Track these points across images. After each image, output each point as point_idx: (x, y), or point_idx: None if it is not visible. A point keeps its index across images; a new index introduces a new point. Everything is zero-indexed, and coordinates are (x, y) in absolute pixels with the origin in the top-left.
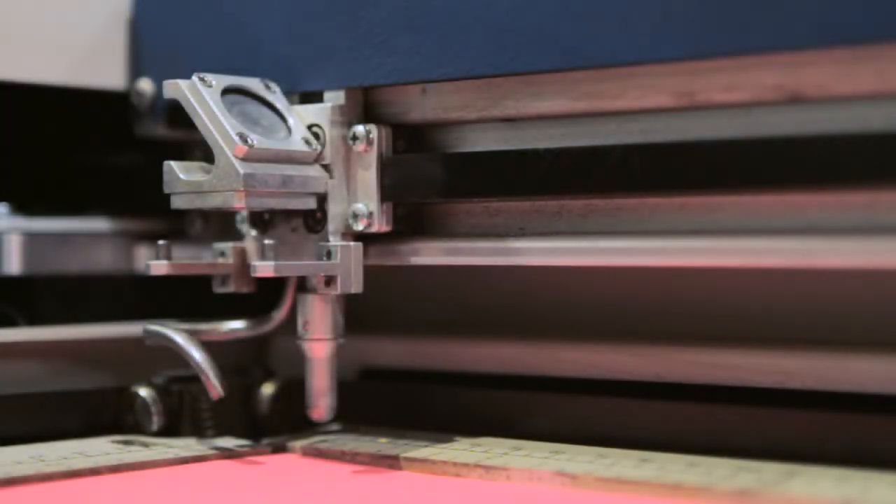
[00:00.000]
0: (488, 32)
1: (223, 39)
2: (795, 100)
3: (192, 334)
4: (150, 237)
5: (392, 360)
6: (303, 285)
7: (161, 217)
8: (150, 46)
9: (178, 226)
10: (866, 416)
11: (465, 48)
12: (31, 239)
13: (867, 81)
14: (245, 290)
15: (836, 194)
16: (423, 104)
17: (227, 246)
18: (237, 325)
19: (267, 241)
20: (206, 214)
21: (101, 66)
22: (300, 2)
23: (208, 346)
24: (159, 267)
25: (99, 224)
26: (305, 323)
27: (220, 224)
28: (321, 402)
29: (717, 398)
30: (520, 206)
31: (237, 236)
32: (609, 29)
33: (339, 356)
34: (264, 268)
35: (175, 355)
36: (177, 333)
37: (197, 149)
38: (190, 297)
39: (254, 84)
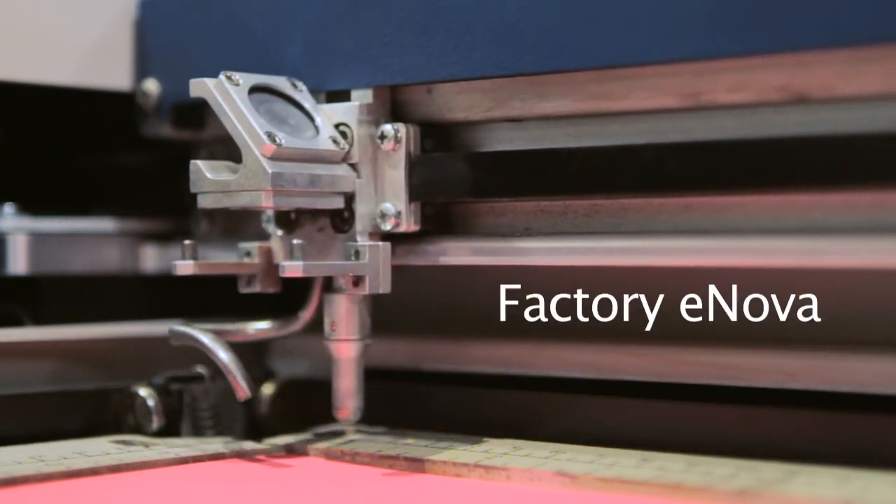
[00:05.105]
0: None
1: (229, 40)
2: (801, 100)
3: (219, 335)
4: (155, 237)
5: (392, 360)
6: (329, 285)
7: (167, 217)
8: (155, 47)
9: (183, 226)
10: (866, 416)
11: (472, 49)
12: (37, 239)
13: (872, 82)
14: (271, 290)
15: (841, 195)
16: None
17: (252, 246)
18: (263, 325)
19: (296, 241)
20: (211, 214)
21: (107, 67)
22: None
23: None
24: (186, 267)
25: (104, 224)
26: (332, 323)
27: (226, 224)
28: (348, 403)
29: (717, 398)
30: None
31: (245, 236)
32: (615, 30)
33: None
34: (293, 268)
35: (175, 355)
36: (203, 334)
37: (203, 149)
38: (196, 297)
39: (280, 83)
